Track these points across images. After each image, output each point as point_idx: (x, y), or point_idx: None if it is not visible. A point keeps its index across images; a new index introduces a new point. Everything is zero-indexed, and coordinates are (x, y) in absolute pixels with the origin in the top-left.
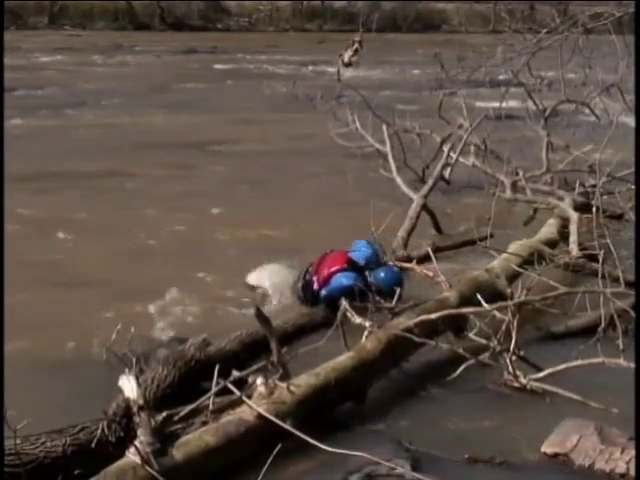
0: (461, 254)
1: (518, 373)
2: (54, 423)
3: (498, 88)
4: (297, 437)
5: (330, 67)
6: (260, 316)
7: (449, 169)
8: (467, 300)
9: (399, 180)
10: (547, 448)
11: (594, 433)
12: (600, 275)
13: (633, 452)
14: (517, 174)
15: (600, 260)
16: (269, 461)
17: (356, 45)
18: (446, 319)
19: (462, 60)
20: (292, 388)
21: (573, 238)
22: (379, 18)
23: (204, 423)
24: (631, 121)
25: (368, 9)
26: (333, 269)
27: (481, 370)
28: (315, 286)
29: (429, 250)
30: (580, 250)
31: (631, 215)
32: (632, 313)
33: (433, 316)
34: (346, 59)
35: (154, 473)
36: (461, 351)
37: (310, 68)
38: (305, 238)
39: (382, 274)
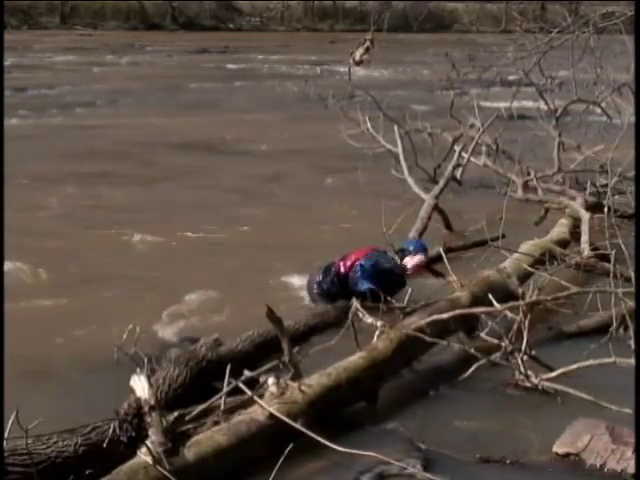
0: (473, 254)
1: (530, 373)
2: (66, 423)
3: (509, 88)
4: (309, 437)
5: (342, 67)
6: (271, 316)
7: (460, 169)
8: (479, 300)
9: (410, 180)
10: (558, 448)
11: (605, 433)
12: (612, 275)
13: None
14: (528, 174)
15: (612, 260)
16: (280, 461)
17: (367, 43)
18: (458, 319)
19: (473, 60)
20: (303, 388)
21: (585, 238)
22: (390, 17)
23: (216, 423)
24: None
25: (379, 8)
26: (361, 254)
27: (493, 370)
28: (342, 269)
29: (441, 250)
30: (592, 250)
31: None
32: None
33: (445, 316)
34: (357, 57)
35: (165, 473)
36: (472, 351)
37: (320, 68)
38: (320, 239)
39: (411, 246)
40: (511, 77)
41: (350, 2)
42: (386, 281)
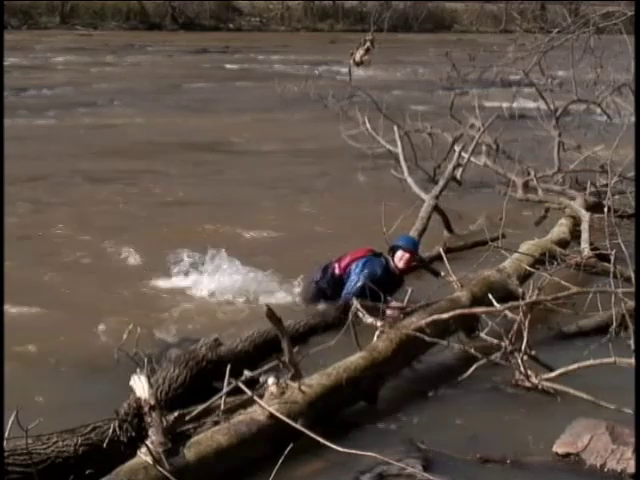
0: (473, 254)
1: (530, 373)
2: (66, 423)
3: (509, 88)
4: (309, 437)
5: (342, 67)
6: (272, 316)
7: (460, 169)
8: (479, 300)
9: (410, 181)
10: (559, 448)
11: (605, 433)
12: (612, 275)
13: None
14: (529, 174)
15: (612, 260)
16: (280, 461)
17: (367, 44)
18: (458, 319)
19: (473, 60)
20: (304, 388)
21: (585, 238)
22: (390, 18)
23: (216, 423)
24: None
25: (379, 8)
26: (356, 256)
27: (493, 370)
28: (337, 270)
29: (441, 250)
30: (592, 250)
31: None
32: None
33: (445, 316)
34: (357, 58)
35: (166, 473)
36: (473, 351)
37: (320, 68)
38: (320, 238)
39: (401, 241)
40: (511, 77)
41: (350, 2)
42: (383, 286)
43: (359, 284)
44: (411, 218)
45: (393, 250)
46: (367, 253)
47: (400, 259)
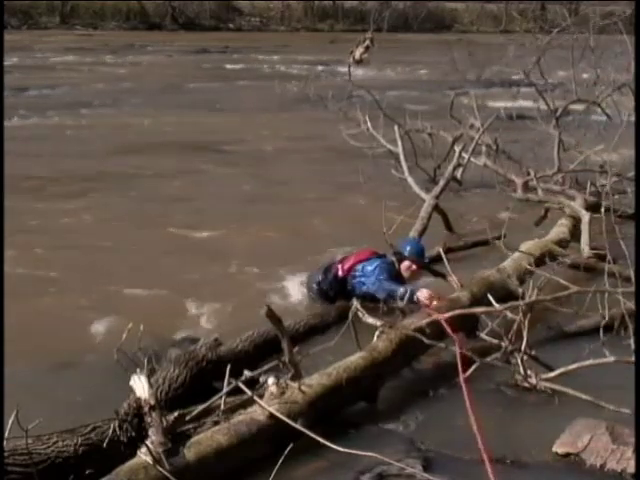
0: (473, 254)
1: (529, 373)
2: (66, 423)
3: (509, 88)
4: (308, 437)
5: (342, 67)
6: (272, 316)
7: (461, 169)
8: (479, 300)
9: (410, 180)
10: (558, 448)
11: (605, 433)
12: (611, 275)
13: None
14: (528, 174)
15: (612, 260)
16: (280, 461)
17: (367, 42)
18: (458, 319)
19: (473, 60)
20: (304, 388)
21: (584, 238)
22: (390, 17)
23: (216, 423)
24: None
25: (379, 8)
26: (360, 258)
27: (493, 370)
28: (340, 272)
29: (441, 250)
30: (591, 250)
31: None
32: None
33: (444, 316)
34: (357, 56)
35: (166, 473)
36: (472, 352)
37: (320, 68)
38: (321, 238)
39: (408, 247)
40: (512, 77)
41: (350, 2)
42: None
43: (376, 288)
44: (411, 218)
45: (399, 257)
46: (371, 255)
47: (407, 269)
